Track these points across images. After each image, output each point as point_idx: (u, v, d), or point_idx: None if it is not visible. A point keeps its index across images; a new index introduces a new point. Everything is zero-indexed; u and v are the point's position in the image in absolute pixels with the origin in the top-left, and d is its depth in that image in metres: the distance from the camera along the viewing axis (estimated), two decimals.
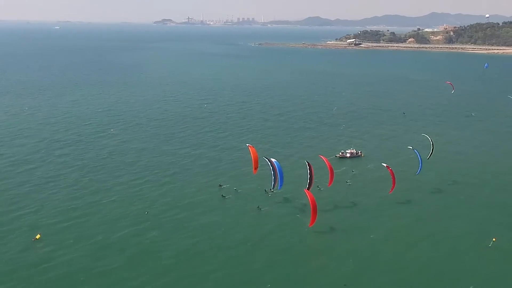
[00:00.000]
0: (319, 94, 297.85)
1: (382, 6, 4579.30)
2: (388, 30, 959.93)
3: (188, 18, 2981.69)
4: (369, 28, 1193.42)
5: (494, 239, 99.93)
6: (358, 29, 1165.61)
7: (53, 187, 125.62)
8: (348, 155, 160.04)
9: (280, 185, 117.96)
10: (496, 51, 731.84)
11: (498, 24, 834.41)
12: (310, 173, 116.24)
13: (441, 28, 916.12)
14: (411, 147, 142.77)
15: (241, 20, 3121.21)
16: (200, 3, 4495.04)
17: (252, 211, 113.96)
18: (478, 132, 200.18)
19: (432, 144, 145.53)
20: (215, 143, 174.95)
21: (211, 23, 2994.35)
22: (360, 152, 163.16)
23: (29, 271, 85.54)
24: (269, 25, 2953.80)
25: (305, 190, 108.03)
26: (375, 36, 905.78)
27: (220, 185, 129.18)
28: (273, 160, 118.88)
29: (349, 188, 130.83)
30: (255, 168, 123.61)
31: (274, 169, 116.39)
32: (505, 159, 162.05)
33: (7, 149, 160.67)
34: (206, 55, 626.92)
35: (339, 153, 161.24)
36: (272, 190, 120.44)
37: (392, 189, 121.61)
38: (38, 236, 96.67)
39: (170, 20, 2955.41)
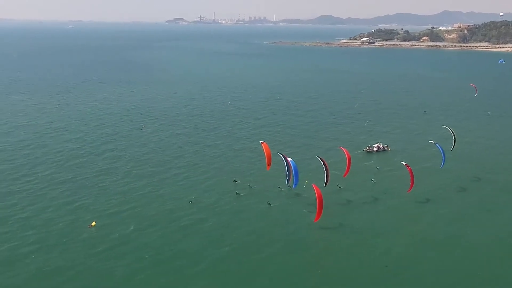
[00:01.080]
0: (338, 91, 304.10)
1: (394, 5, 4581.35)
2: (402, 29, 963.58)
3: (200, 17, 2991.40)
4: (381, 26, 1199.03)
5: None
6: (371, 27, 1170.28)
7: (103, 180, 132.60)
8: (375, 149, 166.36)
9: (295, 184, 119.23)
10: (510, 49, 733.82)
11: None
12: (326, 169, 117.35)
13: (455, 26, 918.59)
14: (432, 141, 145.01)
15: (252, 19, 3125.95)
16: (212, 2, 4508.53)
17: (262, 206, 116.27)
18: (498, 130, 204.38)
19: (454, 135, 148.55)
20: (241, 139, 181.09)
21: (223, 22, 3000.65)
22: (387, 146, 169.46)
23: (85, 254, 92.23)
24: (280, 23, 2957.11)
25: (313, 185, 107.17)
26: (389, 34, 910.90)
27: (235, 181, 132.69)
28: (289, 159, 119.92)
29: (372, 185, 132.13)
30: (268, 165, 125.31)
31: (288, 165, 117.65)
32: None
33: (55, 144, 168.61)
34: (223, 54, 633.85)
35: (366, 147, 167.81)
36: (287, 185, 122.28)
37: (410, 188, 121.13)
38: (93, 223, 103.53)
39: (182, 19, 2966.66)
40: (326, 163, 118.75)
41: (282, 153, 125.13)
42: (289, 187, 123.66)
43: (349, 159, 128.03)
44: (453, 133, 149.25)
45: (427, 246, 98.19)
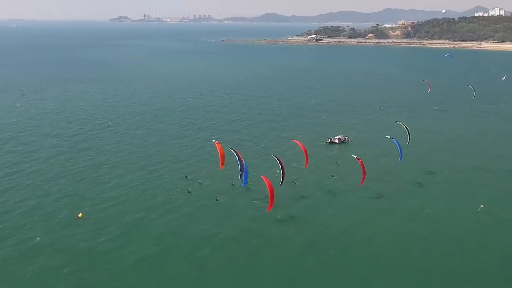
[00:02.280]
0: (293, 87, 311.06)
1: (337, 2, 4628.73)
2: (348, 26, 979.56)
3: (144, 15, 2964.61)
4: (325, 24, 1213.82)
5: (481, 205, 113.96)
6: (315, 25, 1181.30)
7: (82, 175, 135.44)
8: (336, 141, 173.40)
9: (244, 183, 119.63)
10: (452, 45, 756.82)
11: (454, 19, 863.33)
12: (282, 168, 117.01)
13: (399, 23, 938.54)
14: (389, 137, 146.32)
15: (197, 17, 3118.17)
16: (156, 1, 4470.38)
17: (213, 202, 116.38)
18: (448, 124, 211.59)
19: (408, 131, 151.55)
20: (191, 136, 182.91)
21: (168, 20, 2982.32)
22: (348, 138, 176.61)
23: (73, 244, 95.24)
24: (225, 21, 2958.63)
25: (262, 177, 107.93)
26: (336, 32, 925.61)
27: (186, 176, 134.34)
28: (236, 158, 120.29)
29: (332, 180, 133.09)
30: (222, 164, 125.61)
31: (240, 160, 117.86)
32: (473, 147, 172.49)
33: (20, 144, 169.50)
34: (176, 52, 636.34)
35: (328, 139, 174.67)
36: (240, 179, 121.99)
37: (362, 181, 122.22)
38: (80, 215, 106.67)
39: (126, 17, 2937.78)
40: (282, 162, 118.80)
41: (234, 149, 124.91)
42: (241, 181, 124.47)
43: (305, 150, 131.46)
44: (407, 129, 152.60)
45: (374, 238, 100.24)
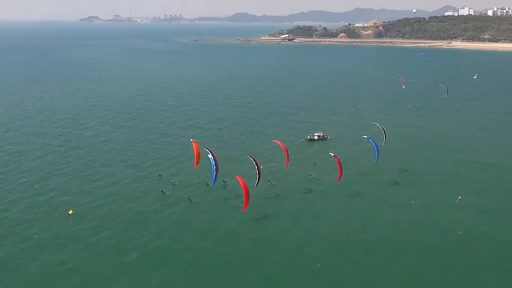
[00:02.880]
0: (270, 86, 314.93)
1: (308, 2, 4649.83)
2: (320, 26, 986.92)
3: (115, 15, 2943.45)
4: (296, 23, 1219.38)
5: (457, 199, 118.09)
6: (286, 25, 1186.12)
7: (71, 174, 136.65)
8: (316, 137, 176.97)
9: (214, 181, 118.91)
10: (423, 44, 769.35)
11: (425, 18, 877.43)
12: (258, 168, 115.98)
13: (371, 23, 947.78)
14: (366, 137, 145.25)
15: (168, 16, 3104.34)
16: (127, 0, 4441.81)
17: (186, 202, 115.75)
18: (422, 120, 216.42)
19: (384, 131, 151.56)
20: (171, 135, 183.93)
21: (139, 20, 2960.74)
22: (326, 135, 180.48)
23: (64, 240, 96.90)
24: (197, 21, 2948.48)
25: (237, 177, 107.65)
26: (308, 31, 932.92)
27: (160, 175, 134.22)
28: (210, 156, 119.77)
29: (310, 179, 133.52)
30: (197, 163, 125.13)
31: (215, 160, 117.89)
32: (448, 144, 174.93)
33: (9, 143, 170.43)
34: (151, 52, 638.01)
35: (308, 136, 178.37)
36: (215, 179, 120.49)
37: (339, 179, 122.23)
38: (70, 212, 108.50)
39: (96, 17, 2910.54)
40: (258, 162, 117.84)
41: (210, 149, 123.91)
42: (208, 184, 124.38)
43: (286, 150, 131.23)
44: (383, 129, 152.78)
45: (349, 235, 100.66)
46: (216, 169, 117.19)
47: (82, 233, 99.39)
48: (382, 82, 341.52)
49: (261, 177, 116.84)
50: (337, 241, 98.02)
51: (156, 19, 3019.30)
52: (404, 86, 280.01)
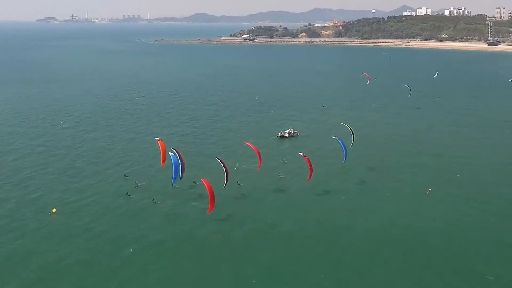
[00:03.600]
0: (236, 85, 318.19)
1: (267, 2, 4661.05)
2: (280, 26, 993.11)
3: (73, 16, 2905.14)
4: (255, 24, 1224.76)
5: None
6: (245, 25, 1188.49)
7: (49, 173, 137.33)
8: (287, 135, 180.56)
9: (174, 179, 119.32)
10: (382, 44, 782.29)
11: (383, 18, 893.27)
12: (225, 170, 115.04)
13: (331, 23, 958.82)
14: (334, 137, 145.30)
15: (126, 17, 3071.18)
16: (84, 1, 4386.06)
17: (151, 204, 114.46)
18: (387, 118, 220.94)
19: (352, 132, 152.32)
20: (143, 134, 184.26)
21: (96, 20, 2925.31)
22: (297, 132, 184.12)
23: (48, 237, 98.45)
24: (155, 22, 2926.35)
25: (202, 179, 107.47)
26: (269, 31, 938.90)
27: (126, 176, 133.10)
28: (170, 154, 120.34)
29: (279, 179, 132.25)
30: (163, 161, 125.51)
31: (182, 160, 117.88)
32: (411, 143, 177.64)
33: None
34: (114, 52, 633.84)
35: (279, 134, 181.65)
36: (180, 179, 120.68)
37: (309, 178, 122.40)
38: (54, 210, 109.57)
39: (53, 18, 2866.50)
40: (225, 164, 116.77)
41: (176, 149, 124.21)
42: (173, 185, 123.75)
43: (258, 152, 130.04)
44: (351, 130, 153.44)
45: (317, 234, 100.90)
46: (183, 169, 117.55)
47: (71, 231, 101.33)
48: (346, 80, 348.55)
49: (229, 179, 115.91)
50: (304, 240, 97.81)
51: (114, 19, 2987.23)
52: (368, 82, 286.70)
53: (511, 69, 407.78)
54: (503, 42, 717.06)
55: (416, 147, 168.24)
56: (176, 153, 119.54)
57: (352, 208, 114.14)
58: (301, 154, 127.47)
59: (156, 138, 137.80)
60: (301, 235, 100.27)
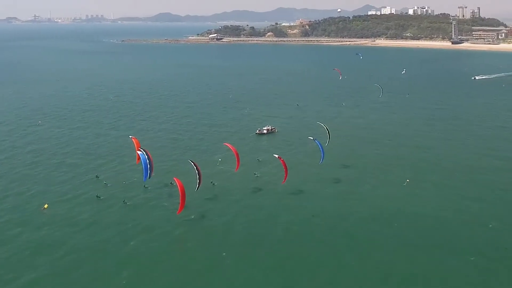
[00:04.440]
0: (209, 85, 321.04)
1: (231, 2, 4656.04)
2: (247, 25, 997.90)
3: (35, 16, 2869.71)
4: (220, 23, 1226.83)
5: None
6: (209, 24, 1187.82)
7: (39, 172, 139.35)
8: (265, 131, 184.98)
9: (145, 178, 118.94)
10: (348, 42, 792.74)
11: (349, 18, 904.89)
12: (198, 172, 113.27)
13: (297, 22, 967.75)
14: (311, 138, 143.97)
15: (89, 17, 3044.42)
16: (46, 1, 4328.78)
17: (120, 204, 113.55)
18: (359, 115, 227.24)
19: (328, 131, 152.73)
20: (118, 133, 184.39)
21: (59, 20, 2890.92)
22: (274, 128, 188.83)
23: (39, 233, 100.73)
24: (119, 21, 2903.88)
25: (174, 178, 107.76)
26: (236, 30, 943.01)
27: (97, 176, 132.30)
28: (139, 153, 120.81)
29: (255, 178, 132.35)
30: (138, 159, 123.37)
31: (150, 159, 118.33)
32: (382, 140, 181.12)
33: None
34: (82, 53, 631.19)
35: (257, 130, 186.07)
36: (148, 179, 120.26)
37: (284, 180, 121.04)
38: (46, 206, 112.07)
39: (15, 18, 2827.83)
40: (198, 166, 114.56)
41: (144, 148, 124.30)
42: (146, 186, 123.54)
43: (237, 154, 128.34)
44: (327, 129, 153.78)
45: (289, 235, 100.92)
46: (151, 168, 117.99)
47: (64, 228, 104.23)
48: (317, 79, 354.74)
49: (201, 182, 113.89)
50: (273, 242, 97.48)
51: (78, 19, 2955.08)
52: (340, 77, 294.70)
53: (475, 67, 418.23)
54: (466, 40, 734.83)
55: (390, 141, 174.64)
56: (144, 152, 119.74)
57: (329, 205, 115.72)
58: (276, 156, 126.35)
59: (130, 136, 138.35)
60: (269, 237, 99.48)
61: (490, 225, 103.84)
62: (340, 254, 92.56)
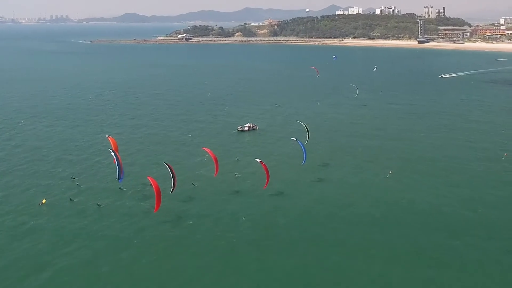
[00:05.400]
0: (185, 84, 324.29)
1: (197, 2, 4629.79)
2: (216, 25, 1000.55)
3: None
4: (186, 23, 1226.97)
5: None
6: (176, 25, 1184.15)
7: (34, 170, 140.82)
8: (246, 128, 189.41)
9: (121, 179, 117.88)
10: (316, 42, 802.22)
11: (317, 17, 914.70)
12: (172, 175, 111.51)
13: (266, 22, 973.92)
14: (294, 139, 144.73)
15: (54, 17, 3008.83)
16: (10, 1, 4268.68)
17: (94, 207, 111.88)
18: (338, 113, 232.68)
19: (308, 130, 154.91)
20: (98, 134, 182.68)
21: (23, 21, 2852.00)
22: (256, 125, 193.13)
23: (39, 227, 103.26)
24: (84, 22, 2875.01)
25: (148, 177, 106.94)
26: (205, 30, 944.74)
27: (73, 178, 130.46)
28: (112, 154, 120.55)
29: (233, 178, 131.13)
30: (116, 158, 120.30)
31: (118, 159, 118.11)
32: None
33: None
34: (49, 53, 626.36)
35: (239, 127, 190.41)
36: (117, 179, 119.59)
37: (266, 185, 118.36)
38: (44, 201, 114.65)
39: None
40: (173, 169, 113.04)
41: (113, 149, 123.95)
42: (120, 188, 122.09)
43: (215, 158, 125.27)
44: (306, 128, 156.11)
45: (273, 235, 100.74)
46: (120, 169, 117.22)
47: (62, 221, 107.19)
48: (289, 77, 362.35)
49: (176, 185, 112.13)
50: (249, 243, 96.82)
51: (42, 20, 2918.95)
52: (318, 75, 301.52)
53: (442, 66, 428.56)
54: (433, 39, 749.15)
55: (370, 134, 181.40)
56: (114, 153, 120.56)
57: (311, 203, 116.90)
58: (258, 160, 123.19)
59: (106, 136, 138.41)
60: (247, 237, 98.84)
61: (479, 210, 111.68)
62: (328, 255, 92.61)
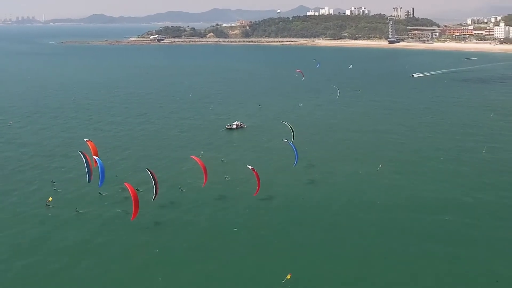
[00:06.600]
0: (165, 84, 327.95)
1: (164, 3, 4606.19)
2: (188, 26, 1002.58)
3: None
4: (154, 24, 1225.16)
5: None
6: (144, 26, 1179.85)
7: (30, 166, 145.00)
8: (234, 126, 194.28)
9: (101, 183, 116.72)
10: (288, 42, 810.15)
11: (289, 18, 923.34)
12: (154, 181, 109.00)
13: (238, 23, 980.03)
14: (285, 140, 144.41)
15: (20, 18, 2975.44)
16: None
17: (72, 213, 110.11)
18: (320, 113, 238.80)
19: (292, 130, 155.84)
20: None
21: None
22: (243, 124, 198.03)
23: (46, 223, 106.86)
24: (51, 23, 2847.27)
25: (125, 184, 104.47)
26: (177, 31, 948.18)
27: (53, 182, 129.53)
28: (95, 157, 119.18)
29: (223, 181, 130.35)
30: (95, 162, 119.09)
31: (88, 161, 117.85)
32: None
33: None
34: (20, 54, 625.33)
35: (227, 125, 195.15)
36: (88, 182, 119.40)
37: (257, 192, 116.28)
38: (50, 199, 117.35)
39: None
40: (155, 175, 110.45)
41: (83, 152, 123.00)
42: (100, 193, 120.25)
43: (204, 167, 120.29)
44: (291, 128, 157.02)
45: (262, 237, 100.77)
46: (90, 172, 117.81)
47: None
48: (267, 77, 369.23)
49: (158, 192, 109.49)
50: (240, 247, 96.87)
51: (8, 21, 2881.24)
52: (303, 78, 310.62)
53: (413, 65, 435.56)
54: (403, 39, 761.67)
55: (356, 132, 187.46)
56: (83, 156, 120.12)
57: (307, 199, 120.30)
58: (250, 167, 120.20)
59: (85, 140, 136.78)
60: (239, 241, 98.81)
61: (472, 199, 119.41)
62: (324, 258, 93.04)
